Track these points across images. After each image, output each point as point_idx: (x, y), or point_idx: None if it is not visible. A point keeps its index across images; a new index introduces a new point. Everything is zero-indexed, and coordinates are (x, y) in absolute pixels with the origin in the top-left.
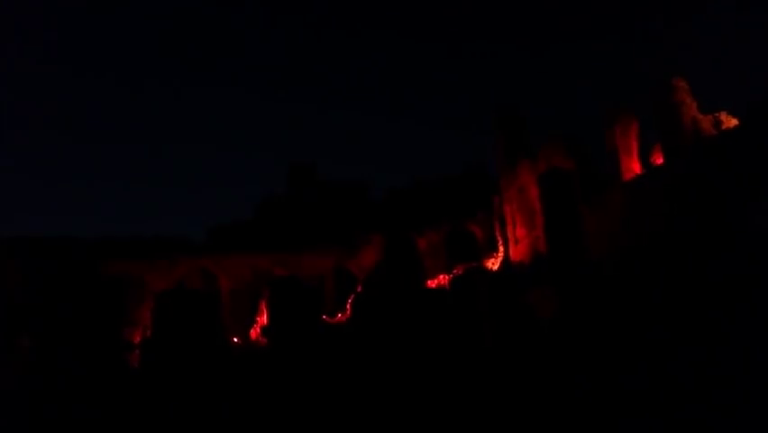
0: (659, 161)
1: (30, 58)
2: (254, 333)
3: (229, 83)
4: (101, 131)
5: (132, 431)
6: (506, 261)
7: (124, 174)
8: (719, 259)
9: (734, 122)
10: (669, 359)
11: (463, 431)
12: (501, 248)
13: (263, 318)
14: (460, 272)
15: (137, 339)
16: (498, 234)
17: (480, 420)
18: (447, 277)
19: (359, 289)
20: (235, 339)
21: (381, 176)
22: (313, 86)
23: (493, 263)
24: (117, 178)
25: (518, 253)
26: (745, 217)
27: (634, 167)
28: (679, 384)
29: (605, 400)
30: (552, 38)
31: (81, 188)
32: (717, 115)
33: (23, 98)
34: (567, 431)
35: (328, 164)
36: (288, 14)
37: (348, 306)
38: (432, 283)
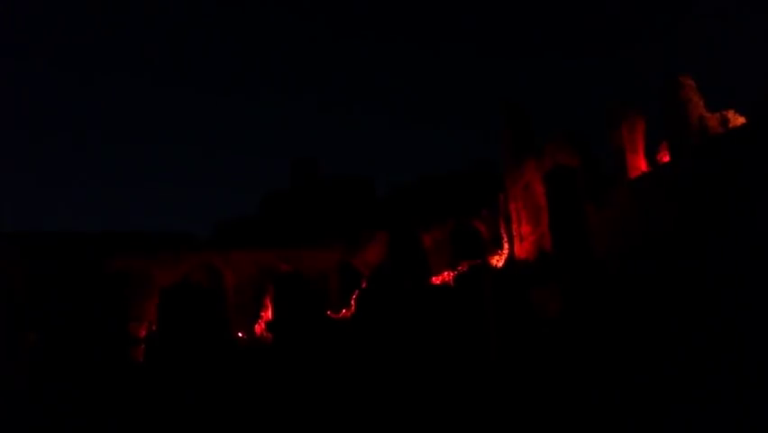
0: (665, 159)
1: (32, 58)
2: (259, 328)
3: (234, 81)
4: (105, 129)
5: (137, 426)
6: (510, 258)
7: (129, 172)
8: (725, 258)
9: (741, 120)
10: (674, 358)
11: (467, 430)
12: (506, 245)
13: (268, 314)
14: (465, 270)
15: (142, 334)
16: (503, 231)
17: (485, 419)
18: (452, 274)
19: (363, 285)
20: (240, 334)
21: (387, 173)
22: (318, 84)
23: (498, 261)
24: (122, 175)
25: (523, 250)
26: (752, 216)
27: (640, 165)
28: (683, 384)
29: (609, 399)
30: (558, 36)
31: (86, 186)
32: (724, 113)
33: (25, 98)
34: (571, 430)
35: (334, 161)
36: (292, 14)
37: (352, 302)
38: (436, 280)
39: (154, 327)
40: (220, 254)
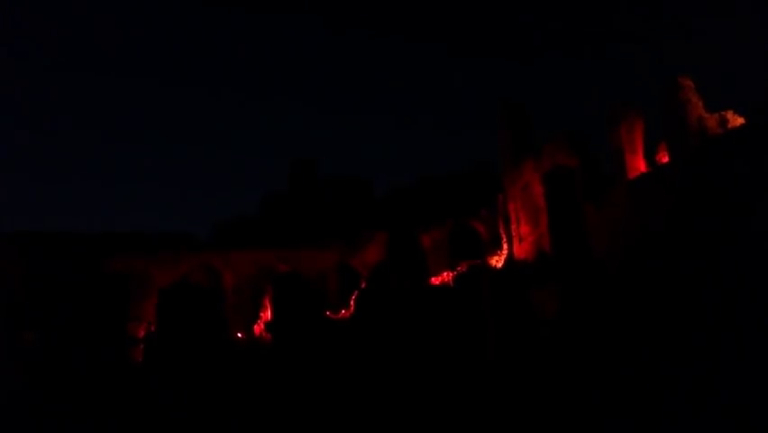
0: (664, 159)
1: (32, 58)
2: (258, 329)
3: (234, 81)
4: (105, 129)
5: (136, 426)
6: (509, 259)
7: (129, 172)
8: (724, 258)
9: (740, 121)
10: (673, 358)
11: (466, 430)
12: (505, 246)
13: (267, 314)
14: (463, 270)
15: (141, 334)
16: (502, 231)
17: (483, 419)
18: (451, 274)
19: (362, 285)
20: (239, 335)
21: (386, 173)
22: (318, 84)
23: (497, 261)
24: (122, 175)
25: (522, 250)
26: (750, 217)
27: (639, 165)
28: (681, 384)
29: (607, 399)
30: (558, 37)
31: (86, 186)
32: (723, 113)
33: (25, 98)
34: (569, 430)
35: (333, 162)
36: (292, 14)
37: (351, 302)
38: (435, 281)
39: (153, 328)
40: (219, 255)
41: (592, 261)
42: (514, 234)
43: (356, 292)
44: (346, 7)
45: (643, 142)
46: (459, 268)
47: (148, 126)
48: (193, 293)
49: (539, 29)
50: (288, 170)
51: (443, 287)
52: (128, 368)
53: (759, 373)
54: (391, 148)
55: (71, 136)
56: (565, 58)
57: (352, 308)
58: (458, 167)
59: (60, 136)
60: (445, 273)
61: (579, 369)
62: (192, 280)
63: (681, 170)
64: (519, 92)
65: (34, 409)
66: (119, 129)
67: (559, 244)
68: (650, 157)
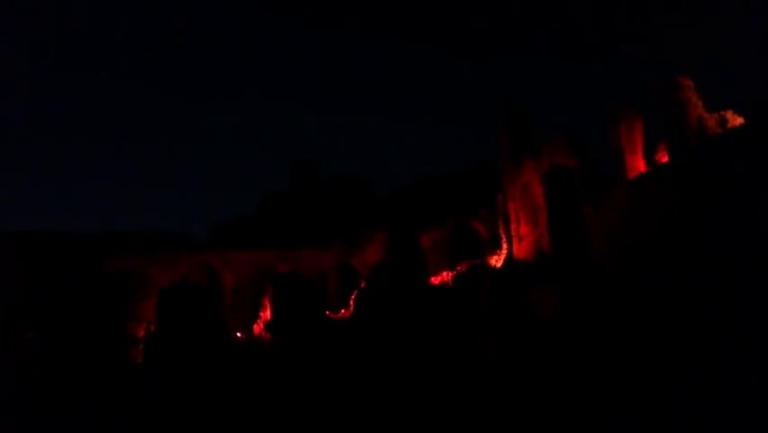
0: (664, 159)
1: (33, 58)
2: (257, 328)
3: (234, 82)
4: (105, 129)
5: (135, 426)
6: (509, 258)
7: (129, 172)
8: (723, 258)
9: (739, 120)
10: (671, 358)
11: (465, 429)
12: (505, 246)
13: (266, 314)
14: (463, 270)
15: (141, 334)
16: (501, 231)
17: (482, 418)
18: (450, 274)
19: (362, 285)
20: (238, 334)
21: (386, 174)
22: (318, 85)
23: (496, 261)
24: (122, 175)
25: (522, 250)
26: (750, 216)
27: (638, 165)
28: (680, 383)
29: (604, 399)
30: (557, 37)
31: (86, 186)
32: (722, 113)
33: (25, 98)
34: (568, 430)
35: (333, 162)
36: (290, 14)
37: (351, 302)
38: (435, 280)
39: (153, 327)
40: (218, 255)
41: (591, 260)
42: (513, 233)
43: (356, 292)
44: (346, 7)
45: (642, 142)
46: (458, 268)
47: (148, 126)
48: (192, 293)
49: (539, 29)
50: (288, 170)
51: (443, 287)
52: (128, 368)
53: (758, 372)
54: (391, 148)
55: (71, 136)
56: (565, 58)
57: (352, 308)
58: (458, 167)
59: (61, 136)
60: (445, 273)
61: (578, 368)
62: (191, 280)
63: (681, 169)
64: (519, 92)
65: (34, 409)
66: (119, 129)
67: (558, 244)
68: (649, 157)
